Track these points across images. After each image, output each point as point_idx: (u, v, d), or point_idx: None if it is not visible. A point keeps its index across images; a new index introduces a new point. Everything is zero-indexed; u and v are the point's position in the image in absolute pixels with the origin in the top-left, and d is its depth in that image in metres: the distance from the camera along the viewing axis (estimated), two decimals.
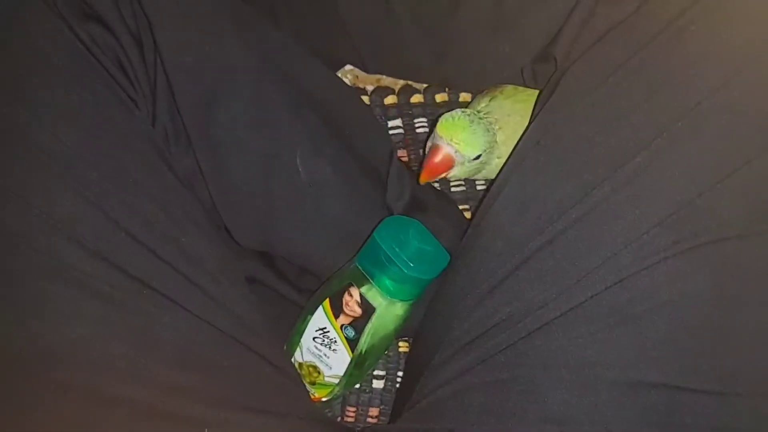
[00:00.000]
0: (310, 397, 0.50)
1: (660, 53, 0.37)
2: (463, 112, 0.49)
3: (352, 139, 0.49)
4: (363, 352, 0.48)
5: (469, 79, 0.55)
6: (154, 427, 0.36)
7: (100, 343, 0.36)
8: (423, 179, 0.49)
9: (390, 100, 0.60)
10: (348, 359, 0.48)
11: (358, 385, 0.54)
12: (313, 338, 0.49)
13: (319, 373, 0.50)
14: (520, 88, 0.53)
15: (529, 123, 0.45)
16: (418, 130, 0.58)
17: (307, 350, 0.50)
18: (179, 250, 0.40)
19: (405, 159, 0.59)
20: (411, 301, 0.46)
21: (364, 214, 0.49)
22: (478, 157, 0.49)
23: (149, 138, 0.43)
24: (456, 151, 0.48)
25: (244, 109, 0.45)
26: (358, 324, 0.47)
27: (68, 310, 0.36)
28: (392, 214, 0.49)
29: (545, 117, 0.42)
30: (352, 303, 0.46)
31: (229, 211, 0.47)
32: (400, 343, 0.55)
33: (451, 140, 0.48)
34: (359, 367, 0.49)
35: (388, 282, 0.44)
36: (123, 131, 0.42)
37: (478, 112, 0.50)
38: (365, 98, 0.60)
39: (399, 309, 0.46)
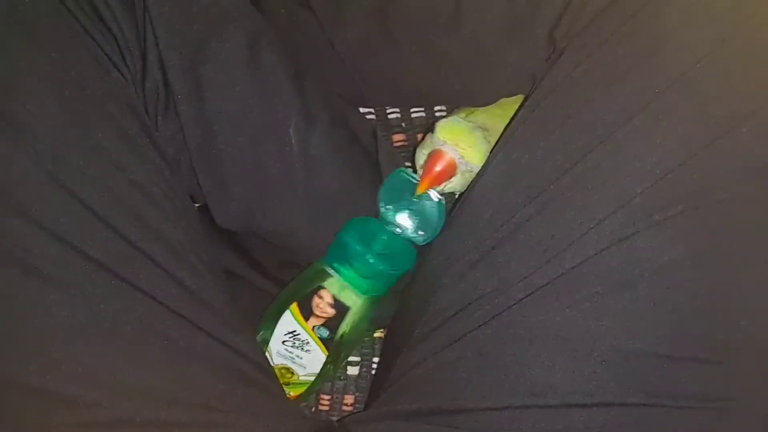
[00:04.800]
0: (286, 393, 0.48)
1: (650, 19, 0.36)
2: (462, 119, 0.44)
3: (342, 116, 0.46)
4: (339, 349, 0.46)
5: (478, 95, 0.48)
6: None
7: (62, 339, 0.33)
8: (422, 188, 0.43)
9: None
10: (323, 358, 0.46)
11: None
12: (283, 342, 0.46)
13: (292, 374, 0.48)
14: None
15: (523, 102, 0.43)
16: (413, 116, 0.54)
17: (276, 354, 0.47)
18: (156, 237, 0.36)
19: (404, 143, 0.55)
20: (383, 295, 0.45)
21: (357, 191, 0.45)
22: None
23: (129, 104, 0.38)
24: (461, 158, 0.43)
25: (235, 65, 0.40)
26: (332, 323, 0.44)
27: (27, 300, 0.33)
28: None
29: (537, 93, 0.40)
30: (323, 305, 0.44)
31: (213, 183, 0.43)
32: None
33: (457, 145, 0.43)
34: (334, 362, 0.47)
35: (360, 280, 0.42)
36: (98, 96, 0.36)
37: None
38: None
39: (372, 303, 0.44)
